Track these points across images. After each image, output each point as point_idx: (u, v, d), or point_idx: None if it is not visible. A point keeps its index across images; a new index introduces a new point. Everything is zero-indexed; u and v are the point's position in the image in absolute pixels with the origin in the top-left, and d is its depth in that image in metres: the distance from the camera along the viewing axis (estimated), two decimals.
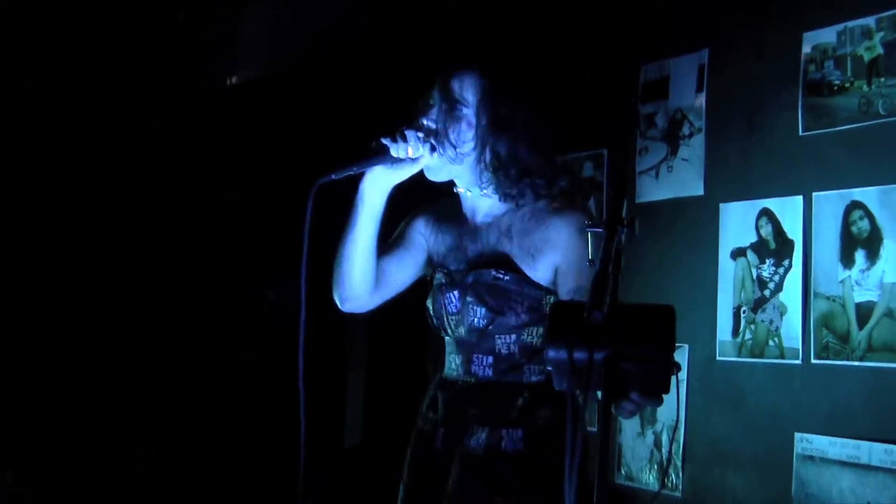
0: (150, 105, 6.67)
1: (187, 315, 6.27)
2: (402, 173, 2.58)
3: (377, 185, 2.59)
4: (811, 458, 3.31)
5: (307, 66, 5.87)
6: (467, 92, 2.57)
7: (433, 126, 2.57)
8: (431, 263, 2.79)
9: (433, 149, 2.56)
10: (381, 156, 2.53)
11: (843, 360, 3.26)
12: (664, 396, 1.86)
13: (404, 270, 2.79)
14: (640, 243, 3.84)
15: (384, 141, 2.52)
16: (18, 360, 5.78)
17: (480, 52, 2.69)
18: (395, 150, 2.51)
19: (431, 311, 2.72)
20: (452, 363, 2.70)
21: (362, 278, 2.67)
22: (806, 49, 3.46)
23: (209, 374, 6.16)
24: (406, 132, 2.53)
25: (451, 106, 2.57)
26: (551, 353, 1.67)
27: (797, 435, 3.36)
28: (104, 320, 6.15)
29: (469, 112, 2.57)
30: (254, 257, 5.96)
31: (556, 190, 2.65)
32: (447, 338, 2.72)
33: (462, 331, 2.63)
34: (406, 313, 2.98)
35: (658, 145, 3.92)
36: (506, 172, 2.58)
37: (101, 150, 6.40)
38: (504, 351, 2.59)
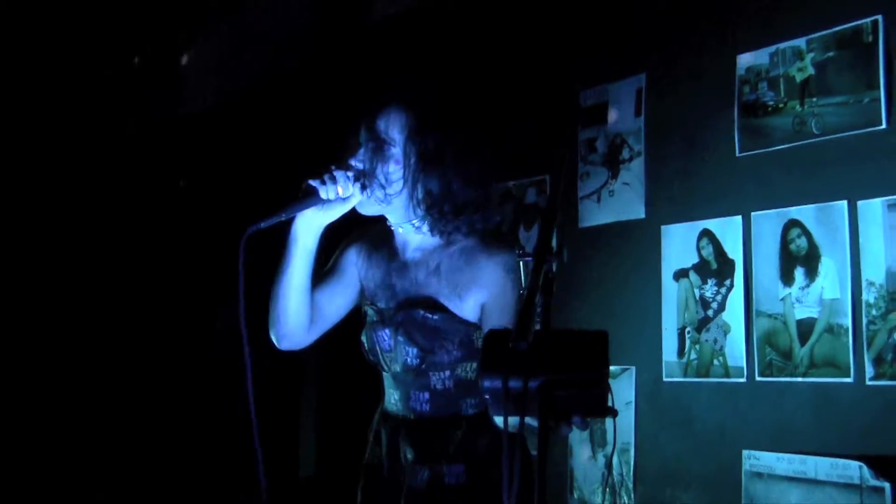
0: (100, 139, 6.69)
1: (135, 344, 6.27)
2: (334, 213, 2.57)
3: (309, 227, 2.58)
4: (759, 474, 3.34)
5: (252, 94, 5.89)
6: (393, 130, 2.56)
7: (361, 167, 2.56)
8: (362, 296, 2.79)
9: (363, 187, 2.56)
10: (311, 198, 2.52)
11: (786, 376, 3.29)
12: (612, 419, 1.89)
13: (337, 303, 2.78)
14: (584, 267, 3.90)
15: (313, 183, 2.52)
16: None
17: (405, 88, 2.65)
18: (325, 192, 2.51)
19: (367, 347, 2.71)
20: (391, 398, 2.71)
21: (297, 317, 2.66)
22: (740, 71, 3.51)
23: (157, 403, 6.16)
24: (335, 173, 2.52)
25: (378, 145, 2.56)
26: (486, 383, 1.68)
27: (745, 452, 3.39)
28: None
29: (397, 150, 2.56)
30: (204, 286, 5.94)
31: (491, 224, 2.64)
32: (385, 373, 2.72)
33: (397, 368, 2.63)
34: (357, 343, 2.98)
35: (599, 170, 3.96)
36: (440, 209, 2.57)
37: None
38: (439, 387, 2.60)
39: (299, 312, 2.66)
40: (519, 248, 2.14)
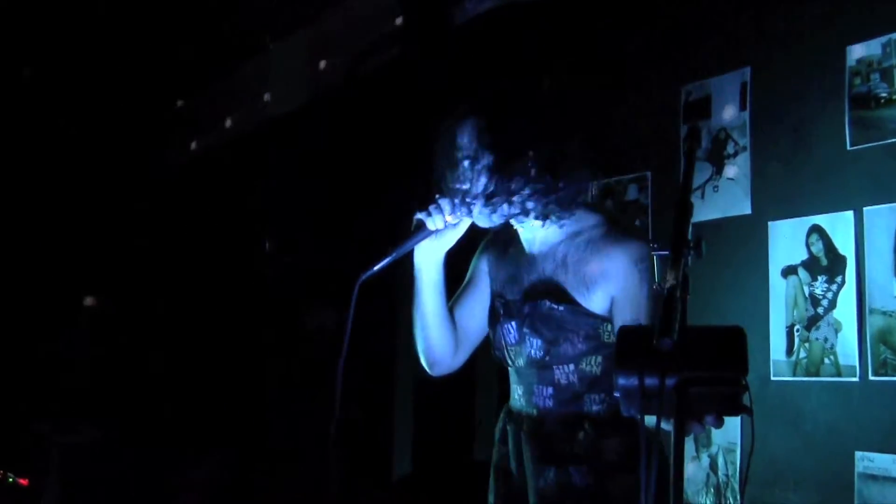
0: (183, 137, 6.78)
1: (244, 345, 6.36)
2: (449, 240, 2.62)
3: (428, 259, 2.64)
4: (873, 476, 3.25)
5: (339, 96, 5.91)
6: (465, 139, 2.55)
7: (462, 187, 2.56)
8: (492, 294, 2.79)
9: (469, 208, 2.57)
10: (420, 232, 2.56)
11: None
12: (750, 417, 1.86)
13: (478, 318, 2.80)
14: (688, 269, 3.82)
15: (420, 217, 2.55)
16: None
17: (473, 98, 2.63)
18: (432, 223, 2.54)
19: (493, 342, 2.72)
20: (515, 393, 2.70)
21: (441, 345, 2.73)
22: (850, 62, 3.43)
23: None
24: (439, 201, 2.55)
25: (460, 158, 2.56)
26: (622, 381, 1.64)
27: (858, 453, 3.30)
28: None
29: (472, 158, 2.54)
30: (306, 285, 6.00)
31: (581, 199, 2.60)
32: (510, 368, 2.71)
33: (521, 362, 2.63)
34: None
35: (702, 165, 3.88)
36: (521, 203, 2.55)
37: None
38: (563, 381, 2.57)
39: (442, 340, 2.72)
40: (653, 242, 2.09)
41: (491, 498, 2.73)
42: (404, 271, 2.70)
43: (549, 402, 2.59)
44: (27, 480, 5.76)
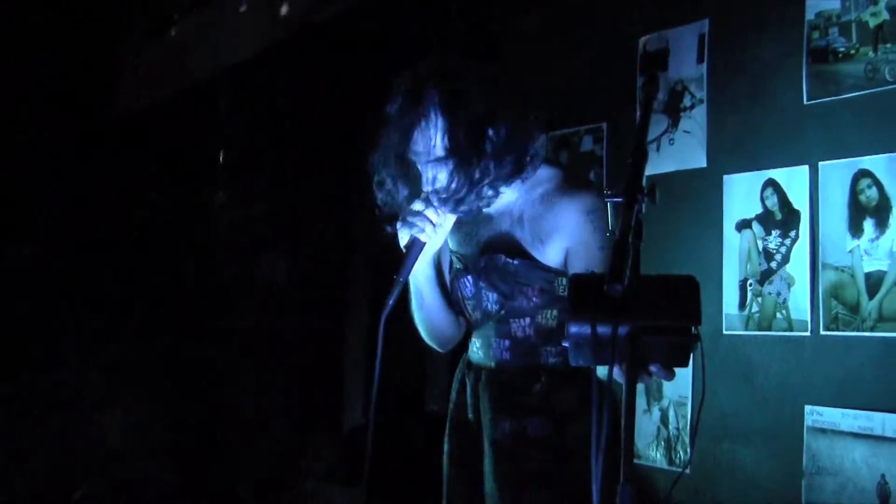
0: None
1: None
2: (439, 239, 2.55)
3: (423, 261, 2.56)
4: (822, 430, 3.26)
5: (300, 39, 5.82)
6: (416, 142, 2.45)
7: (427, 188, 2.49)
8: (450, 250, 2.76)
9: (451, 204, 2.48)
10: (415, 247, 2.48)
11: (853, 330, 3.21)
12: (677, 370, 1.87)
13: None
14: (642, 217, 3.80)
15: (411, 233, 2.46)
16: None
17: (413, 94, 2.46)
18: (425, 236, 2.47)
19: (452, 296, 2.71)
20: (474, 346, 2.71)
21: (448, 324, 2.72)
22: (809, 16, 3.40)
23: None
24: (420, 210, 2.46)
25: (421, 162, 2.48)
26: (573, 329, 1.61)
27: (807, 407, 3.32)
28: None
29: (430, 155, 2.45)
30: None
31: (536, 163, 2.53)
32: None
33: (479, 315, 2.63)
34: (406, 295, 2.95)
35: (658, 117, 3.85)
36: (477, 190, 2.46)
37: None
38: (520, 334, 2.57)
39: (448, 321, 2.71)
40: (607, 190, 2.04)
41: (446, 448, 2.74)
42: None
43: (507, 355, 2.59)
44: None
